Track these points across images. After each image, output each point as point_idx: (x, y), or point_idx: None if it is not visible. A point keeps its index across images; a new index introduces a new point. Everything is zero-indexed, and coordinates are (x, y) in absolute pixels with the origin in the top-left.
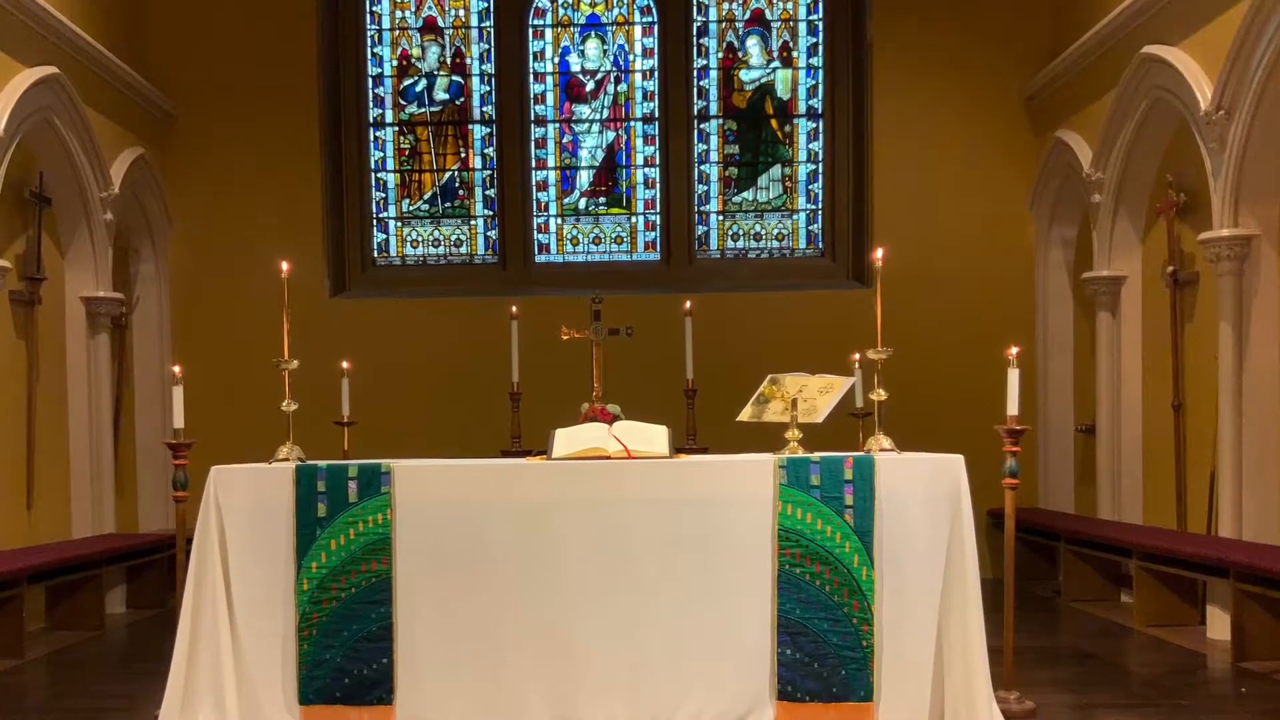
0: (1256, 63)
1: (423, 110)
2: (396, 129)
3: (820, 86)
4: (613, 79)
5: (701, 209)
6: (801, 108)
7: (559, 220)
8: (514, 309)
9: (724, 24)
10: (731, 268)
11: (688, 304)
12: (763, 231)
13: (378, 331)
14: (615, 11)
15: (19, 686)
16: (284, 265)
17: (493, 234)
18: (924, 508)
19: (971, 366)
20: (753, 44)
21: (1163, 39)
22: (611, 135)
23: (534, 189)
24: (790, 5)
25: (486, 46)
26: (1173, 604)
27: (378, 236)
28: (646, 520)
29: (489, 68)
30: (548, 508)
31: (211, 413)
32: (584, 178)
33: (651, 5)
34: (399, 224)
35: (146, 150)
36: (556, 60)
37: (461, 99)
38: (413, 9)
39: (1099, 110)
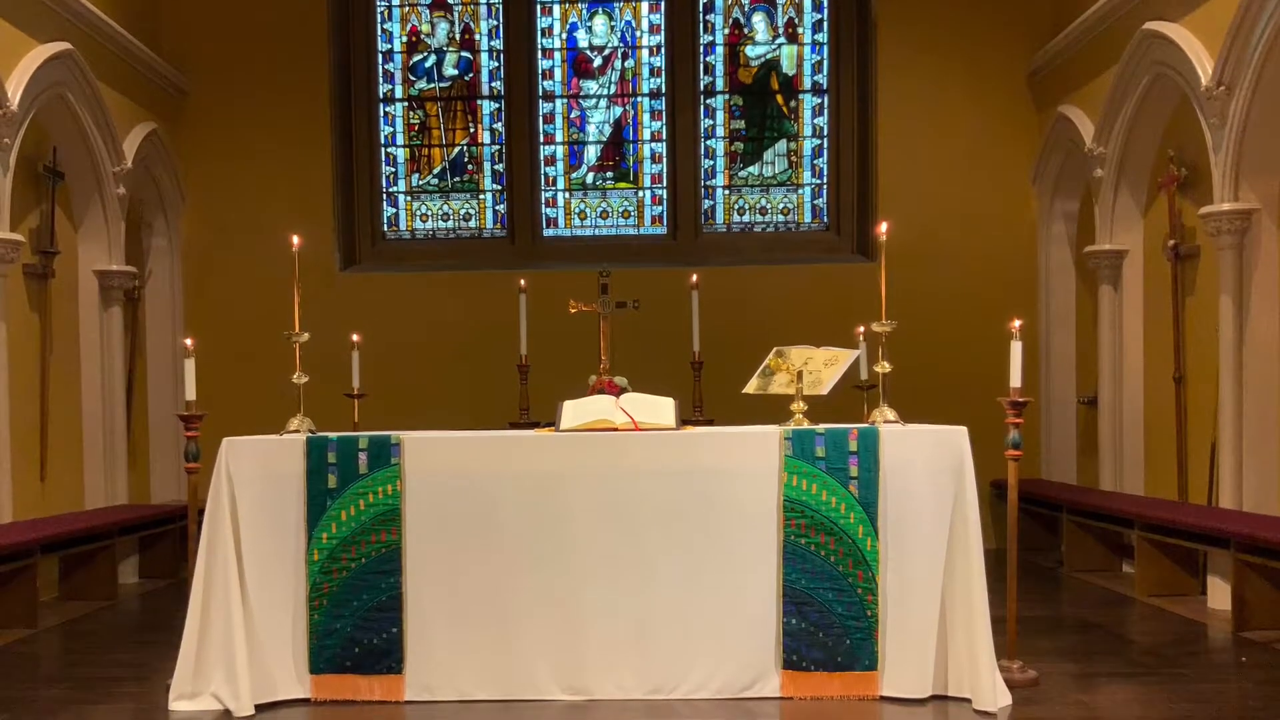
0: (1257, 39)
1: (432, 86)
2: (406, 104)
3: (825, 62)
4: (620, 55)
5: (708, 184)
6: (807, 83)
7: (567, 195)
8: (522, 282)
9: (730, 0)
10: (737, 241)
11: (694, 277)
12: (768, 206)
13: (387, 305)
14: None
15: (32, 656)
16: (295, 239)
17: (501, 208)
18: (928, 479)
19: (974, 339)
20: (759, 20)
21: (1164, 15)
22: (619, 110)
23: (542, 164)
24: None
25: (495, 22)
26: (1174, 574)
27: (387, 210)
28: (653, 492)
29: (497, 44)
30: (556, 479)
31: (223, 385)
32: (591, 153)
33: None
34: (408, 198)
35: (159, 125)
36: (564, 36)
37: (470, 75)
38: None
39: (1101, 86)
